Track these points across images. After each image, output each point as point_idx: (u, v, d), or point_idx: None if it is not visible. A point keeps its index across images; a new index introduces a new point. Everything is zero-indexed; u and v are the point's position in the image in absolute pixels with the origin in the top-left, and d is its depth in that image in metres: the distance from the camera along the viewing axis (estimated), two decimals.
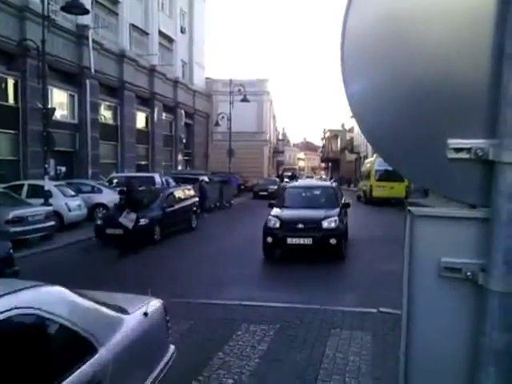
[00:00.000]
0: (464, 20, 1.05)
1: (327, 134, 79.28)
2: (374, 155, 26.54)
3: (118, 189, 12.03)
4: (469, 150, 1.06)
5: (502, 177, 1.02)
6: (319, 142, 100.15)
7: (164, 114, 32.13)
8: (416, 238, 1.13)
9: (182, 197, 17.02)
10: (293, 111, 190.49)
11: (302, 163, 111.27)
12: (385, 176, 23.84)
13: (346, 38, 1.11)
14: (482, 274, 1.07)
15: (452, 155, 1.08)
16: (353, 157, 59.14)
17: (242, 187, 36.02)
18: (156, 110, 30.37)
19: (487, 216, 1.06)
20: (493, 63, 1.03)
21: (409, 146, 1.12)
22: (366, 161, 30.58)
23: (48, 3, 15.41)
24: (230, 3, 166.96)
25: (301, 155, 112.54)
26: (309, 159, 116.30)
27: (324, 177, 52.97)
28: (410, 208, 1.13)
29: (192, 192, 18.35)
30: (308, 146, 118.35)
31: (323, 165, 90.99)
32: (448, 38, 1.07)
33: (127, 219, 11.90)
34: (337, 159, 69.61)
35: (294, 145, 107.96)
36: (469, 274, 1.09)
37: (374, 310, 7.07)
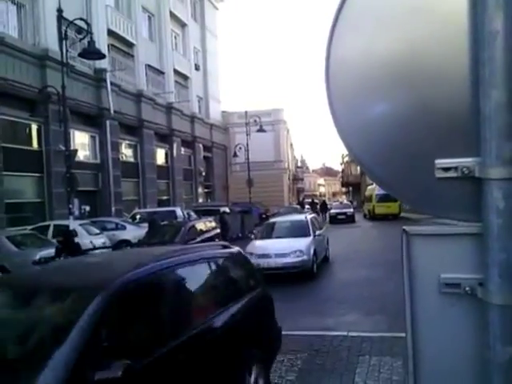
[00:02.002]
0: (445, 50, 1.11)
1: (346, 159, 79.06)
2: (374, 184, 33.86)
3: (56, 239, 11.48)
4: (456, 168, 1.10)
5: (489, 192, 1.05)
6: (338, 167, 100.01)
7: (183, 149, 32.71)
8: (413, 256, 1.15)
9: (204, 229, 17.10)
10: (310, 138, 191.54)
11: (322, 189, 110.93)
12: (383, 198, 31.47)
13: (331, 70, 1.18)
14: (481, 288, 1.09)
15: (440, 174, 1.11)
16: None
17: (264, 216, 35.97)
18: (175, 146, 30.96)
19: (480, 231, 1.09)
20: (471, 88, 1.09)
21: (397, 170, 1.17)
22: (368, 187, 39.48)
23: (67, 50, 16.06)
24: (242, 36, 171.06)
25: (321, 181, 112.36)
26: (329, 184, 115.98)
27: (345, 201, 52.10)
28: (404, 227, 1.16)
29: (213, 224, 18.43)
30: (327, 172, 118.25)
31: (344, 189, 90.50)
32: (430, 64, 1.12)
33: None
34: (357, 183, 69.11)
35: (313, 171, 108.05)
36: (467, 288, 1.11)
37: (403, 335, 6.91)
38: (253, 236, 14.48)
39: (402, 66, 1.14)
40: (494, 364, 1.07)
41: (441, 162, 1.12)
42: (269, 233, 14.01)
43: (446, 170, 1.11)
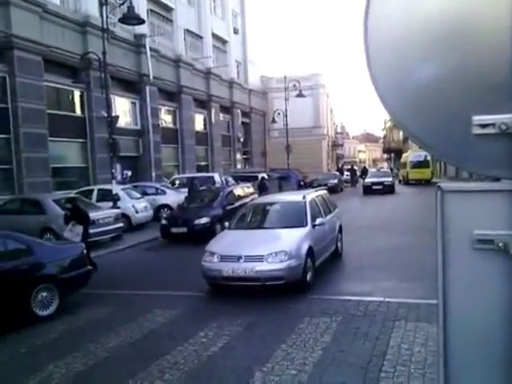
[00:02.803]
0: (485, 5, 1.07)
1: (388, 124, 77.03)
2: (409, 151, 39.92)
3: (67, 206, 11.13)
4: (493, 125, 1.09)
5: None
6: (380, 133, 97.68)
7: (221, 115, 32.73)
8: (447, 212, 1.16)
9: (242, 194, 17.29)
10: (351, 103, 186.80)
11: (362, 155, 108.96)
12: (416, 165, 35.69)
13: (369, 25, 1.17)
14: None
15: (478, 131, 1.10)
16: (416, 146, 56.99)
17: (302, 183, 35.87)
18: (213, 112, 31.00)
19: None
20: None
21: (436, 128, 1.16)
22: (404, 155, 42.76)
23: (107, 16, 16.17)
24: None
25: (361, 147, 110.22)
26: (370, 151, 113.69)
27: (383, 168, 44.30)
28: (439, 184, 1.16)
29: (251, 189, 18.59)
30: (368, 138, 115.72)
31: (385, 156, 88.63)
32: (472, 22, 1.10)
33: (73, 233, 10.58)
34: (399, 149, 67.44)
35: (353, 137, 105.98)
36: (500, 244, 1.11)
37: None
38: (226, 224, 10.32)
39: (442, 23, 1.12)
40: None
41: (478, 118, 1.10)
42: (247, 220, 9.90)
43: (484, 126, 1.10)
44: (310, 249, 8.25)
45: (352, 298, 7.43)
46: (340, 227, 10.98)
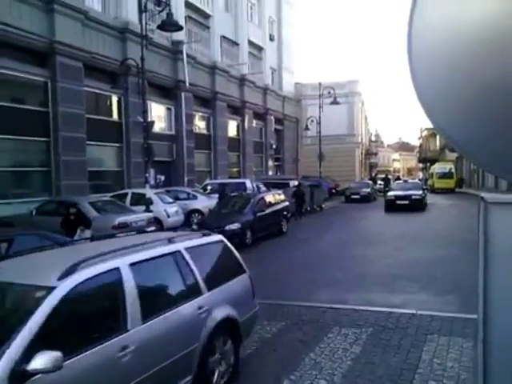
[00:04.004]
0: None
1: (424, 133, 75.45)
2: (436, 163, 45.90)
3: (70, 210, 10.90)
4: None
5: None
6: (416, 142, 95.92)
7: (254, 121, 32.89)
8: (490, 224, 1.11)
9: (273, 201, 17.27)
10: (387, 111, 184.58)
11: (397, 164, 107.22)
12: (442, 176, 40.67)
13: (413, 42, 1.14)
14: None
15: None
16: (453, 155, 55.52)
17: (334, 191, 35.59)
18: (246, 118, 31.18)
19: None
20: None
21: (480, 138, 1.12)
22: (432, 166, 47.09)
23: (146, 23, 16.53)
24: (319, 6, 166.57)
25: (396, 156, 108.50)
26: (405, 160, 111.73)
27: (412, 179, 42.77)
28: (483, 195, 1.11)
29: (282, 197, 18.54)
30: (403, 147, 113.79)
31: (420, 165, 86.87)
32: None
33: (84, 238, 10.76)
34: (435, 159, 65.96)
35: (388, 146, 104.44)
36: None
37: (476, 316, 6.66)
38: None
39: (488, 31, 1.09)
40: None
41: None
42: None
43: None
44: None
45: (383, 310, 7.28)
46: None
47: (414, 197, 24.02)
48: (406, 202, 23.66)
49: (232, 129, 30.61)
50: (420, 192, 25.10)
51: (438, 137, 66.58)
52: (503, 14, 1.07)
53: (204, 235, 5.48)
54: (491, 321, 1.12)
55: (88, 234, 10.71)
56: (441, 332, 6.21)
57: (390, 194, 25.46)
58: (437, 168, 42.79)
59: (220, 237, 5.64)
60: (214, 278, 5.02)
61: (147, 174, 16.86)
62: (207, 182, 24.18)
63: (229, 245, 5.62)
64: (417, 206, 23.48)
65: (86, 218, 11.15)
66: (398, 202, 23.86)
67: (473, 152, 1.17)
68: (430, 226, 18.37)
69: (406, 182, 31.82)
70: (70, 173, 16.86)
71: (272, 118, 35.90)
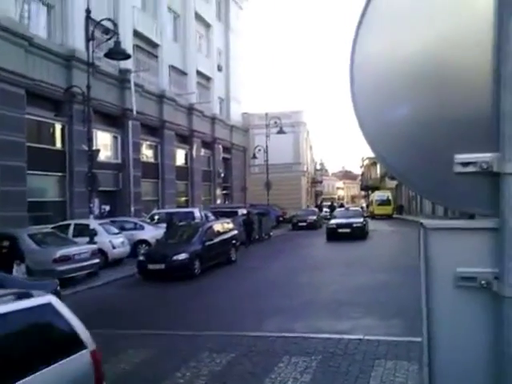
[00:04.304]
0: (466, 48, 1.14)
1: (366, 162, 78.43)
2: (375, 191, 52.49)
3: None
4: (475, 163, 1.12)
5: (506, 187, 1.07)
6: (358, 170, 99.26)
7: (202, 150, 32.92)
8: (430, 250, 1.17)
9: (221, 230, 17.19)
10: (331, 140, 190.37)
11: (341, 192, 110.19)
12: (380, 203, 45.37)
13: (355, 74, 1.22)
14: (496, 281, 1.10)
15: (459, 169, 1.14)
16: (393, 183, 57.97)
17: (281, 219, 35.98)
18: (195, 147, 31.17)
19: (497, 226, 1.10)
20: (493, 85, 1.11)
21: (418, 164, 1.20)
22: (372, 194, 53.08)
23: (93, 51, 16.33)
24: (265, 37, 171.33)
25: (340, 184, 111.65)
26: (348, 188, 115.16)
27: (353, 207, 41.45)
28: (422, 221, 1.18)
29: (231, 225, 18.51)
30: (347, 175, 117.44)
31: (363, 193, 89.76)
32: (451, 63, 1.15)
33: (19, 272, 10.54)
34: (376, 187, 68.47)
35: (332, 174, 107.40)
36: (483, 282, 1.13)
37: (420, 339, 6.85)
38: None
39: (424, 64, 1.17)
40: (510, 358, 1.08)
41: (460, 157, 1.14)
42: None
43: (465, 164, 1.13)
44: None
45: (332, 336, 7.33)
46: None
47: (355, 225, 23.73)
48: (348, 230, 23.34)
49: (180, 157, 30.46)
50: (361, 220, 24.89)
51: (378, 165, 69.35)
52: (439, 49, 1.16)
53: (20, 297, 3.58)
54: (435, 344, 1.17)
55: (23, 267, 10.23)
56: (387, 356, 6.32)
57: (332, 222, 25.01)
58: (376, 196, 47.83)
59: (48, 298, 3.79)
60: (27, 363, 3.36)
61: (91, 204, 16.35)
62: (154, 211, 23.77)
63: (61, 310, 3.77)
64: (358, 233, 23.27)
65: (20, 250, 10.54)
66: (340, 230, 23.47)
67: (411, 179, 1.24)
68: (373, 252, 18.89)
69: (347, 209, 31.48)
70: (7, 204, 16.02)
71: (220, 146, 36.11)
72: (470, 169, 1.12)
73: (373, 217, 42.07)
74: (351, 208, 34.91)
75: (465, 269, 1.14)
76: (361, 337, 7.20)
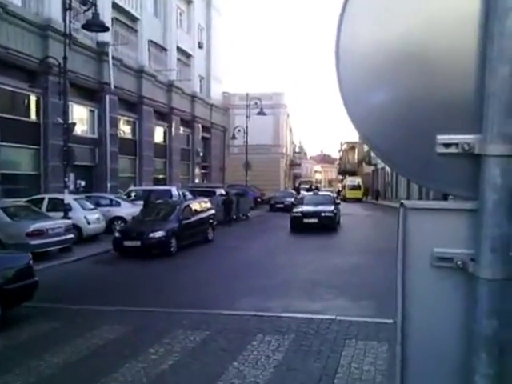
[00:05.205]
0: (451, 29, 1.13)
1: (344, 147, 79.04)
2: (348, 177, 59.80)
3: None
4: (457, 144, 1.13)
5: (487, 169, 1.08)
6: (336, 155, 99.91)
7: (181, 128, 32.56)
8: (408, 229, 1.18)
9: (199, 209, 17.16)
10: (310, 124, 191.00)
11: (318, 176, 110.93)
12: (352, 187, 50.97)
13: (341, 54, 1.20)
14: (472, 262, 1.12)
15: (441, 150, 1.14)
16: (370, 169, 58.84)
17: (259, 200, 36.08)
18: (174, 125, 30.80)
19: (476, 207, 1.12)
20: (477, 65, 1.12)
21: (400, 145, 1.20)
22: (344, 180, 61.22)
23: (70, 21, 15.83)
24: (248, 17, 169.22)
25: (318, 168, 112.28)
26: (326, 172, 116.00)
27: (323, 191, 38.85)
28: (402, 201, 1.18)
29: (208, 205, 18.48)
30: (325, 159, 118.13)
31: (340, 177, 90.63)
32: (436, 44, 1.15)
33: None
34: (354, 171, 69.22)
35: (310, 157, 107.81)
36: (459, 263, 1.14)
37: (390, 321, 7.02)
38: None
39: (409, 46, 1.17)
40: (480, 337, 1.10)
41: (442, 137, 1.14)
42: None
43: (447, 145, 1.13)
44: None
45: (305, 316, 7.45)
46: None
47: (324, 214, 19.97)
48: (315, 219, 19.76)
49: (159, 135, 30.07)
50: (331, 208, 20.76)
51: (356, 150, 70.11)
52: (424, 30, 1.15)
53: None
54: (409, 322, 1.18)
55: None
56: (358, 337, 6.47)
57: (297, 209, 20.91)
58: (348, 181, 54.85)
59: None
60: None
61: (66, 179, 16.05)
62: (131, 188, 23.52)
63: None
64: (327, 224, 19.63)
65: None
66: (306, 220, 19.86)
67: (394, 160, 1.24)
68: (349, 235, 19.17)
69: (316, 194, 26.76)
70: None
71: (199, 125, 35.76)
72: (452, 150, 1.13)
73: (345, 200, 46.04)
74: (321, 193, 29.57)
75: (442, 249, 1.16)
76: (333, 317, 7.33)
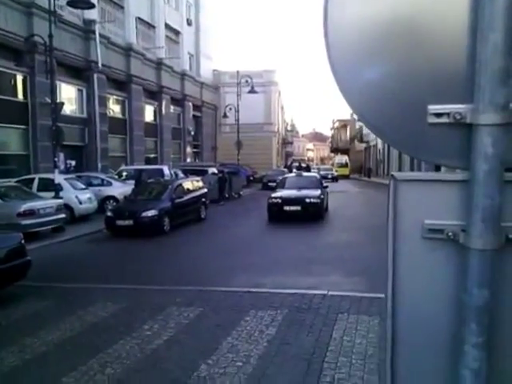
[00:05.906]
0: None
1: (336, 124, 78.83)
2: (336, 156, 66.78)
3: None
4: (448, 114, 1.12)
5: (478, 138, 1.07)
6: (328, 133, 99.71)
7: (172, 107, 32.21)
8: (399, 201, 1.18)
9: (191, 188, 17.14)
10: (302, 102, 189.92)
11: (311, 154, 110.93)
12: (340, 165, 55.51)
13: (330, 29, 1.18)
14: (463, 233, 1.12)
15: (432, 120, 1.13)
16: (362, 146, 58.95)
17: (251, 178, 36.09)
18: (164, 103, 30.46)
19: (466, 178, 1.11)
20: (468, 34, 1.10)
21: (393, 118, 1.18)
22: (333, 159, 67.84)
23: None
24: None
25: (310, 146, 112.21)
26: (318, 150, 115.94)
27: (312, 171, 37.59)
28: (393, 173, 1.18)
29: (201, 183, 18.45)
30: (317, 137, 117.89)
31: (332, 155, 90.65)
32: (426, 14, 1.13)
33: None
34: (346, 149, 69.25)
35: (303, 135, 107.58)
36: (450, 234, 1.14)
37: (382, 295, 7.11)
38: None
39: (399, 17, 1.15)
40: (471, 307, 1.11)
41: (434, 107, 1.13)
42: None
43: (439, 115, 1.12)
44: None
45: (298, 292, 7.53)
46: None
47: (308, 200, 16.21)
48: (298, 207, 16.08)
49: (149, 114, 29.74)
50: (317, 192, 16.86)
51: (348, 128, 70.03)
52: (416, 0, 1.13)
53: None
54: (400, 295, 1.19)
55: None
56: (350, 311, 6.56)
57: (276, 195, 17.06)
58: (336, 159, 60.52)
59: None
60: None
61: (56, 159, 15.90)
62: (122, 167, 23.37)
63: None
64: (313, 213, 16.09)
65: None
66: (287, 207, 16.18)
67: (386, 132, 1.23)
68: (341, 211, 19.29)
69: (300, 174, 21.59)
70: None
71: (190, 104, 35.40)
72: (444, 120, 1.12)
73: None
74: (305, 174, 23.44)
75: (432, 221, 1.16)
76: (325, 292, 7.42)
